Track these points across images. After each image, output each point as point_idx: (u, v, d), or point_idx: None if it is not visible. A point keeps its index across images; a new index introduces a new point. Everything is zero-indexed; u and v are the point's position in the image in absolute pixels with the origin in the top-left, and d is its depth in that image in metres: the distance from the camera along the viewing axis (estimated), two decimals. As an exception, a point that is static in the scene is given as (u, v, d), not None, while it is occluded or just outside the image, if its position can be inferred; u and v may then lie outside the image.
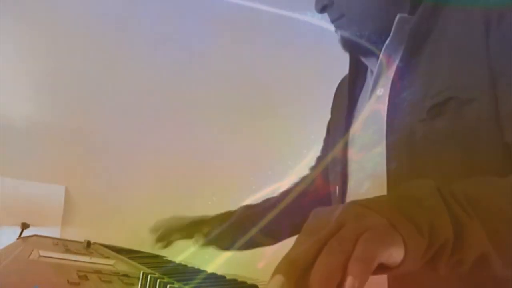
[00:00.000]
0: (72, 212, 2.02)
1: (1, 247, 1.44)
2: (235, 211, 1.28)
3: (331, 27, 1.06)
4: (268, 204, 1.29)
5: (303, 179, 1.35)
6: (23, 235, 1.80)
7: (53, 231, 1.90)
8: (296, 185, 1.35)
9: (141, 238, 1.88)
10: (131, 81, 2.28)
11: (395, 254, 0.45)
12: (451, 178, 0.72)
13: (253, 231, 1.21)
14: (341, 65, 1.16)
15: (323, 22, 1.13)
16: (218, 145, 2.42)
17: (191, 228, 1.22)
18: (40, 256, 0.78)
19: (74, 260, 0.80)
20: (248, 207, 1.30)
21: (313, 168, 1.35)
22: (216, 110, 2.45)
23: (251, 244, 1.23)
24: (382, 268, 0.45)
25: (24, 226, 1.85)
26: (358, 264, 0.42)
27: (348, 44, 1.00)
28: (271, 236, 1.25)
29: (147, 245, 1.41)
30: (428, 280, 0.73)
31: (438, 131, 0.84)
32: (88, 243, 1.29)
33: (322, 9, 1.00)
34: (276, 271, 0.44)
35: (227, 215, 1.26)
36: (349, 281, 0.41)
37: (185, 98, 2.40)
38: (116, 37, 2.29)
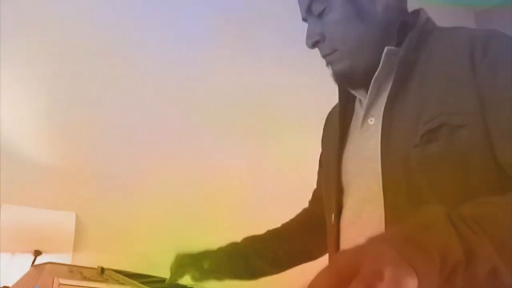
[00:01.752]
0: (83, 238, 2.06)
1: (16, 274, 1.49)
2: (239, 242, 1.31)
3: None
4: (272, 235, 1.34)
5: (304, 210, 1.40)
6: (36, 262, 1.86)
7: (65, 258, 1.95)
8: (298, 216, 1.39)
9: (149, 262, 1.94)
10: (139, 108, 2.35)
11: (410, 284, 0.51)
12: (445, 202, 0.78)
13: (257, 261, 1.26)
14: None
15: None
16: (226, 170, 2.47)
17: (192, 264, 1.24)
18: (60, 284, 0.82)
19: (92, 287, 0.84)
20: (252, 237, 1.33)
21: (310, 202, 1.40)
22: (223, 135, 2.52)
23: (256, 274, 1.28)
24: None
25: (37, 253, 1.89)
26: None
27: (339, 77, 1.06)
28: (276, 265, 1.29)
29: (155, 269, 1.46)
30: None
31: (432, 156, 0.88)
32: (102, 270, 1.30)
33: (313, 45, 1.06)
34: None
35: (232, 246, 1.29)
36: None
37: (192, 124, 2.47)
38: (122, 62, 2.35)
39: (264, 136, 2.62)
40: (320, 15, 1.04)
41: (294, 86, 2.77)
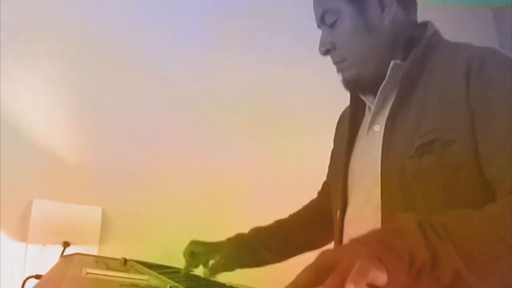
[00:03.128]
0: (108, 231, 2.13)
1: (47, 264, 1.60)
2: (246, 233, 1.39)
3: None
4: (279, 225, 1.42)
5: (311, 201, 1.47)
6: (65, 253, 1.96)
7: (92, 249, 2.04)
8: (305, 206, 1.47)
9: (170, 253, 2.01)
10: (161, 109, 2.41)
11: (380, 277, 0.58)
12: (436, 209, 0.86)
13: (263, 250, 1.35)
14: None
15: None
16: (239, 167, 2.53)
17: (205, 256, 1.32)
18: (87, 273, 0.93)
19: (115, 276, 0.92)
20: (259, 228, 1.41)
21: (319, 192, 1.47)
22: (237, 134, 2.58)
23: (261, 262, 1.36)
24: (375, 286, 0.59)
25: (66, 244, 1.98)
26: (355, 277, 0.55)
27: (349, 84, 1.12)
28: (281, 254, 1.38)
29: (175, 260, 1.53)
30: None
31: (424, 168, 0.93)
32: (125, 261, 1.41)
33: (325, 53, 1.12)
34: None
35: (239, 237, 1.38)
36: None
37: (211, 122, 2.52)
38: (152, 62, 2.43)
39: (275, 134, 2.66)
40: (332, 26, 1.10)
41: (300, 86, 2.79)
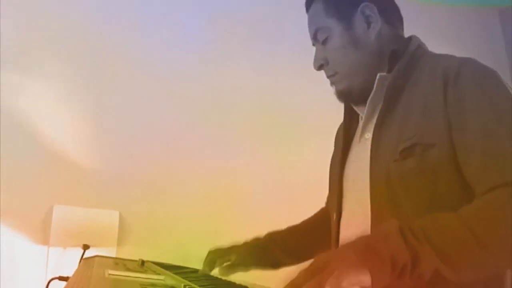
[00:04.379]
0: (126, 233, 2.21)
1: (68, 266, 1.68)
2: (262, 237, 1.44)
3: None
4: (291, 230, 1.47)
5: (321, 209, 1.54)
6: (84, 255, 2.05)
7: (110, 251, 2.11)
8: (315, 214, 1.54)
9: (184, 254, 2.09)
10: (174, 115, 2.48)
11: (364, 279, 0.67)
12: (419, 208, 0.94)
13: (278, 253, 1.42)
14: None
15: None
16: (252, 167, 2.59)
17: (221, 257, 1.37)
18: (109, 274, 1.01)
19: (135, 277, 0.99)
20: (274, 233, 1.46)
21: (326, 202, 1.54)
22: (250, 137, 2.63)
23: (277, 265, 1.41)
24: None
25: (85, 247, 2.06)
26: (331, 281, 0.64)
27: (341, 96, 1.19)
28: (295, 257, 1.42)
29: (190, 260, 1.59)
30: None
31: (408, 171, 0.99)
32: (142, 262, 1.44)
33: (319, 68, 1.19)
34: None
35: (256, 240, 1.43)
36: None
37: (222, 126, 2.59)
38: (165, 67, 2.50)
39: (281, 136, 2.71)
40: (324, 42, 1.17)
41: (303, 87, 2.80)
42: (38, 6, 2.26)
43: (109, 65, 2.38)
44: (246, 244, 1.43)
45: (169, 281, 1.02)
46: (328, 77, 1.21)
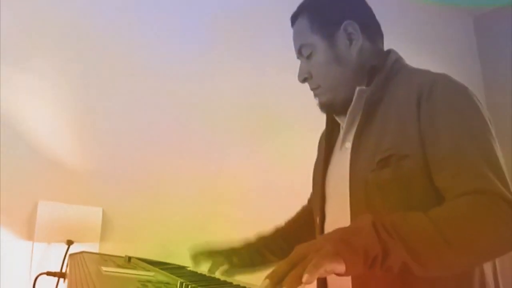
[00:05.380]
0: (108, 230, 2.24)
1: (52, 261, 1.69)
2: (254, 241, 1.51)
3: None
4: (278, 232, 1.54)
5: (303, 208, 1.62)
6: (69, 250, 2.08)
7: (93, 247, 2.15)
8: (297, 213, 1.60)
9: (166, 251, 2.14)
10: (158, 113, 2.51)
11: (338, 268, 0.75)
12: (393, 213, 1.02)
13: (269, 255, 1.48)
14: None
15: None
16: (237, 170, 2.64)
17: (221, 257, 1.43)
18: (105, 271, 1.05)
19: (131, 274, 1.02)
20: (262, 236, 1.53)
21: (309, 200, 1.61)
22: (236, 137, 2.69)
23: (266, 264, 1.48)
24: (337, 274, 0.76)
25: (69, 242, 2.09)
26: (310, 269, 0.71)
27: (324, 107, 1.27)
28: (280, 255, 1.49)
29: (171, 257, 1.64)
30: (378, 280, 1.02)
31: (384, 179, 1.08)
32: (129, 258, 1.49)
33: (303, 81, 1.27)
34: (265, 277, 0.74)
35: (249, 244, 1.49)
36: (304, 277, 0.70)
37: (208, 127, 2.64)
38: (146, 67, 2.51)
39: (273, 135, 2.78)
40: (308, 57, 1.25)
41: (295, 88, 2.83)
42: (36, 5, 2.28)
43: (96, 62, 2.40)
44: (242, 247, 1.49)
45: (160, 278, 1.04)
46: (311, 89, 1.28)
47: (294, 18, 1.32)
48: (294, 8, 1.35)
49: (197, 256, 1.47)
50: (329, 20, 1.26)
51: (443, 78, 1.12)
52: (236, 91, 2.77)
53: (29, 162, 2.14)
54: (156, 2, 2.65)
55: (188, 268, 1.41)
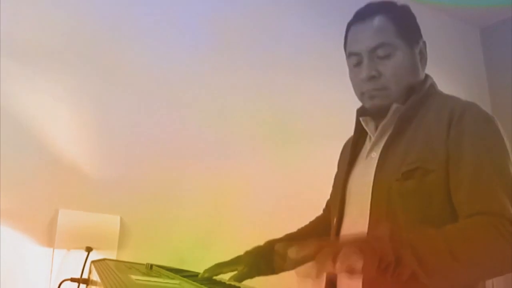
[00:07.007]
0: (126, 237, 2.29)
1: (72, 266, 1.75)
2: (263, 246, 1.53)
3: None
4: (289, 237, 1.57)
5: (317, 217, 1.64)
6: (89, 257, 2.12)
7: (111, 253, 2.20)
8: (311, 221, 1.63)
9: (182, 258, 2.19)
10: (174, 123, 2.56)
11: (358, 263, 0.84)
12: (413, 223, 1.11)
13: (279, 261, 1.52)
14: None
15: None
16: (251, 173, 2.68)
17: (229, 267, 1.46)
18: (136, 279, 1.08)
19: (161, 282, 1.04)
20: (273, 240, 1.54)
21: (324, 209, 1.65)
22: (251, 144, 2.73)
23: (276, 270, 1.50)
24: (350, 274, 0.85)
25: (88, 249, 2.13)
26: (340, 258, 0.82)
27: (376, 110, 1.32)
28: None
29: (186, 263, 1.70)
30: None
31: (407, 189, 1.16)
32: (150, 266, 1.49)
33: (370, 78, 1.28)
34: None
35: (256, 249, 1.52)
36: (337, 264, 0.82)
37: (224, 138, 2.68)
38: (166, 77, 2.56)
39: (286, 140, 2.82)
40: (384, 57, 1.28)
41: (304, 92, 2.92)
42: (41, 7, 2.32)
43: (112, 68, 2.44)
44: (248, 253, 1.51)
45: (185, 286, 1.07)
46: (374, 89, 1.30)
47: (371, 14, 1.31)
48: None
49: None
50: (414, 31, 1.34)
51: (474, 106, 1.22)
52: (250, 94, 2.81)
53: (50, 172, 2.20)
54: (161, 2, 2.68)
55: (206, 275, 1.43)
